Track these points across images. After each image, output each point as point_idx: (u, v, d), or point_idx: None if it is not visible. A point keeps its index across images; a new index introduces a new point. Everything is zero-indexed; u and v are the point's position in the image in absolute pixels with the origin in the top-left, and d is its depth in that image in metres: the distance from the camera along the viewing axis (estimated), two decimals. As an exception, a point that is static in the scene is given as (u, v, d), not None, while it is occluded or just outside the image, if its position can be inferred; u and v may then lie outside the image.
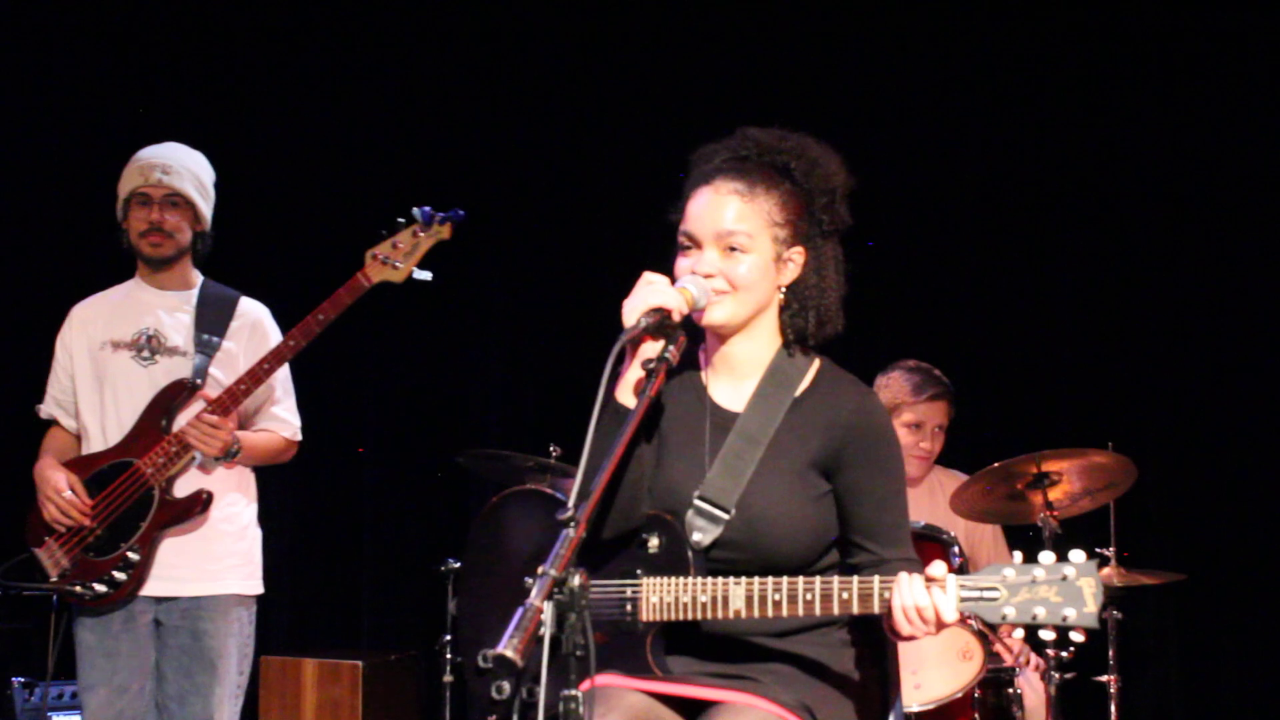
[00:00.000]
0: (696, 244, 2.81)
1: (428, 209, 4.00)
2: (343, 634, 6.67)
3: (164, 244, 4.14)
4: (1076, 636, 2.49)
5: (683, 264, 2.83)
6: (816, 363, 2.91)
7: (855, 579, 2.62)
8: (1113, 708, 4.59)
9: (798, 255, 2.86)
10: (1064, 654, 4.46)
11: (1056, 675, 4.45)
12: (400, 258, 4.00)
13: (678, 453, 2.87)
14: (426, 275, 4.04)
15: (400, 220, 4.02)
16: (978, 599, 2.53)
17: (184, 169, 4.18)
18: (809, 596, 2.62)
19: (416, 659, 6.16)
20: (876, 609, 2.61)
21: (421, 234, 4.00)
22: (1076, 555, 2.51)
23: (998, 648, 4.51)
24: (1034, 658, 4.74)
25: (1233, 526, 5.50)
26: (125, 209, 4.17)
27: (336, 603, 6.79)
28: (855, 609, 2.61)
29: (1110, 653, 4.59)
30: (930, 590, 2.57)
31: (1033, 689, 4.59)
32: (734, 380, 2.91)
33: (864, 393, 2.89)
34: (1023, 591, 2.49)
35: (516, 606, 2.18)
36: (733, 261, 2.79)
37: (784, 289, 2.87)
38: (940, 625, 2.58)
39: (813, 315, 2.87)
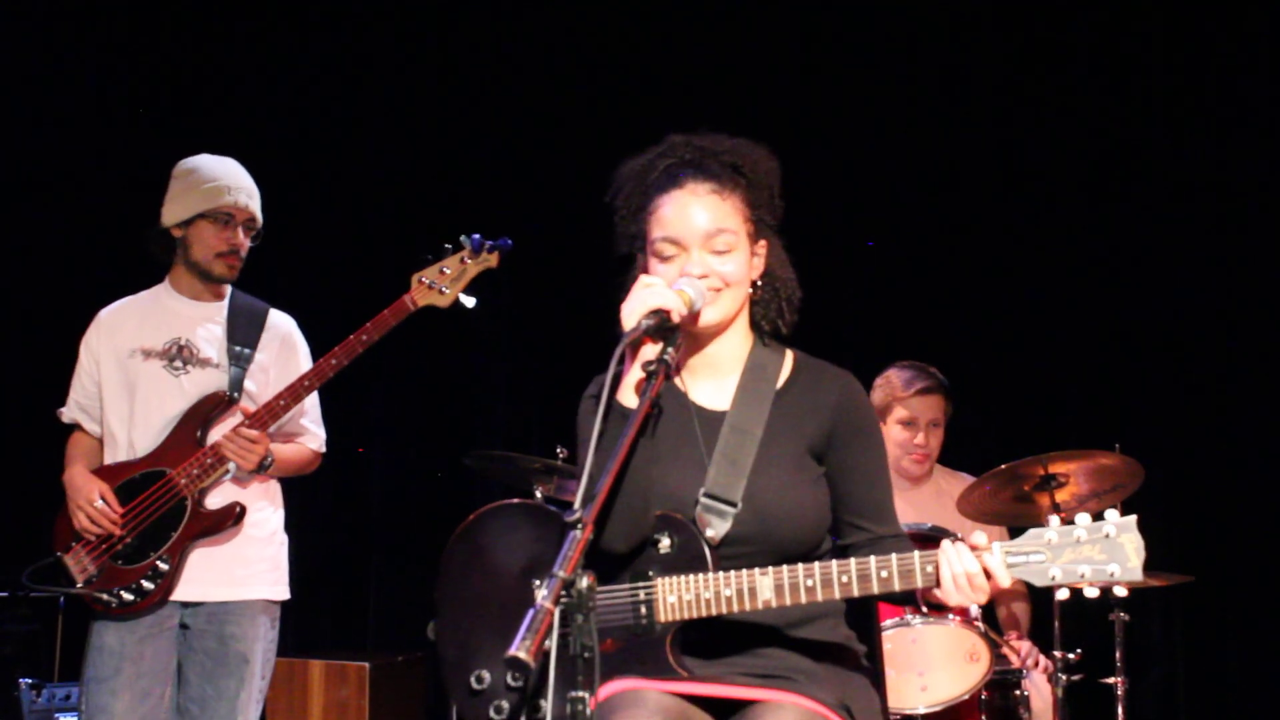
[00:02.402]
0: (681, 247, 2.83)
1: (477, 237, 4.02)
2: (350, 635, 6.68)
3: (237, 267, 4.18)
4: (1120, 591, 2.55)
5: (666, 270, 2.84)
6: (790, 354, 2.97)
7: (894, 556, 2.63)
8: (1119, 710, 4.58)
9: (762, 249, 2.93)
10: (1070, 656, 4.46)
11: (1063, 677, 4.46)
12: (447, 283, 4.03)
13: (673, 457, 2.88)
14: (471, 301, 4.07)
15: (446, 245, 4.04)
16: (1024, 563, 2.57)
17: (256, 194, 4.22)
18: (844, 579, 2.63)
19: (423, 660, 6.17)
20: (920, 583, 2.63)
21: (469, 261, 4.04)
22: (1113, 514, 2.55)
23: (1005, 650, 4.51)
24: (1041, 659, 4.74)
25: (1239, 528, 5.50)
26: (191, 220, 4.14)
27: (344, 604, 6.80)
28: (897, 586, 2.62)
29: (1117, 654, 4.58)
30: (980, 557, 2.60)
31: (1039, 691, 4.59)
32: (714, 379, 2.95)
33: (844, 375, 2.96)
34: (1067, 553, 2.54)
35: (511, 622, 2.17)
36: (722, 260, 2.83)
37: (755, 283, 2.92)
38: (988, 592, 2.60)
39: (785, 305, 2.95)
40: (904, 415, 4.97)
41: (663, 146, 2.95)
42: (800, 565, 2.66)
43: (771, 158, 2.95)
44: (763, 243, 2.92)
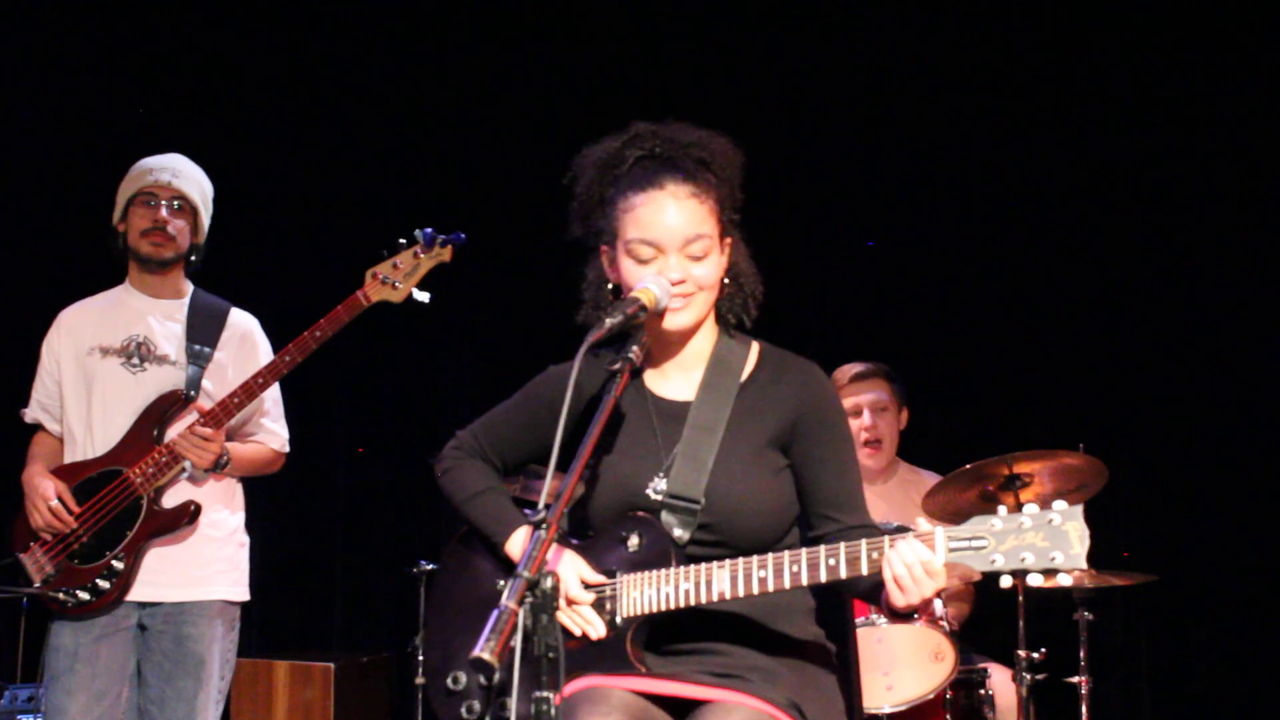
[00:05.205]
0: (659, 250, 2.81)
1: (429, 231, 4.00)
2: (315, 636, 6.65)
3: (165, 245, 4.14)
4: (1065, 579, 2.50)
5: (642, 272, 2.82)
6: (756, 346, 2.97)
7: (842, 544, 2.61)
8: (1083, 708, 4.61)
9: (728, 246, 2.91)
10: (1034, 655, 4.47)
11: (1028, 676, 4.47)
12: (400, 278, 4.01)
13: (627, 446, 2.90)
14: (425, 296, 4.05)
15: (401, 241, 4.02)
16: (966, 548, 2.54)
17: (190, 177, 4.20)
18: (795, 569, 2.62)
19: (388, 661, 6.15)
20: (865, 571, 2.59)
21: (422, 255, 4.02)
22: (1060, 504, 2.52)
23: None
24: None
25: (1203, 528, 5.53)
26: (125, 211, 4.15)
27: (309, 605, 6.77)
28: (844, 574, 2.60)
29: (1081, 654, 4.61)
30: (919, 545, 2.56)
31: (1004, 690, 4.61)
32: (677, 371, 2.95)
33: (808, 366, 2.95)
34: (1010, 539, 2.51)
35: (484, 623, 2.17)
36: (698, 264, 2.82)
37: (723, 280, 2.91)
38: (940, 581, 2.56)
39: (750, 300, 2.94)
40: (848, 405, 4.99)
41: (628, 135, 2.90)
42: (755, 556, 2.66)
43: (736, 150, 2.92)
44: (729, 240, 2.90)
